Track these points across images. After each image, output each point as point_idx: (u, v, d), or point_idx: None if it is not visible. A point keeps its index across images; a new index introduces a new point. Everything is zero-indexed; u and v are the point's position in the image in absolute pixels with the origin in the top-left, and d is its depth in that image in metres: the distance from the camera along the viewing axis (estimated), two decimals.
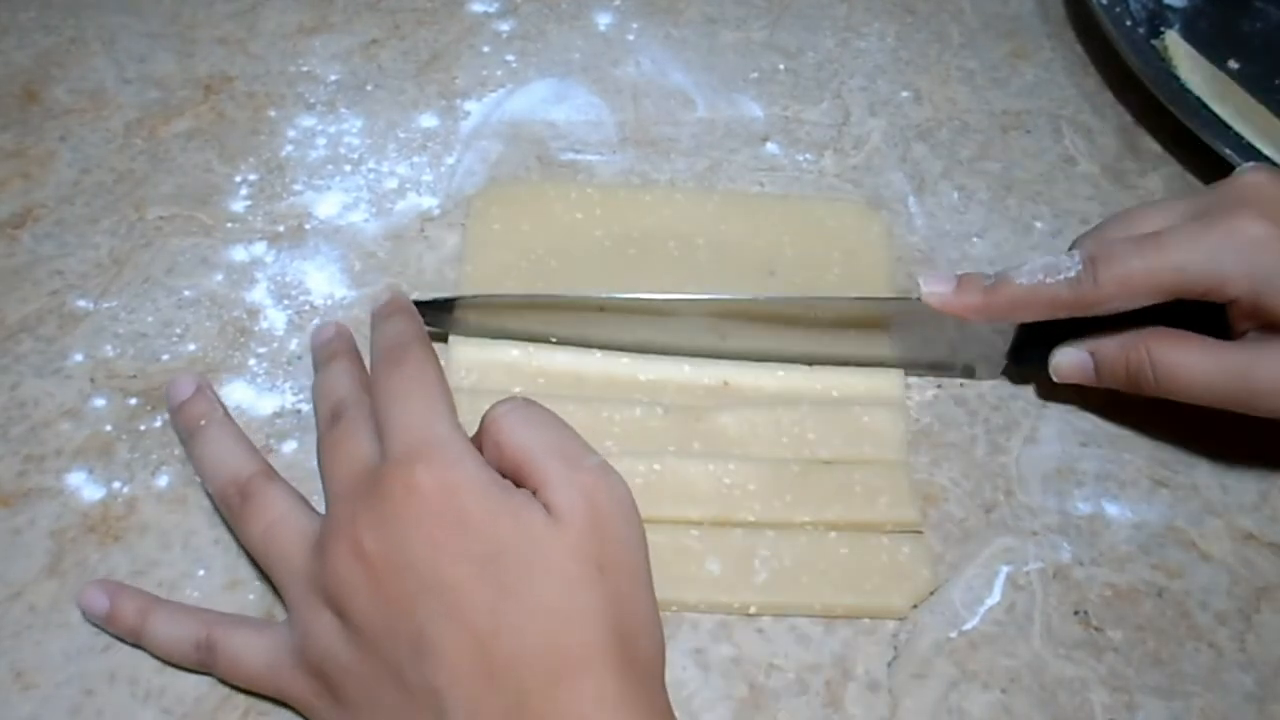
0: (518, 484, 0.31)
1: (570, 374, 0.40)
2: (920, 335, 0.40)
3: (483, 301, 0.40)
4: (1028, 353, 0.41)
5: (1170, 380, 0.37)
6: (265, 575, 0.35)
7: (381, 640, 0.29)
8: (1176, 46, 0.53)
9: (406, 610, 0.29)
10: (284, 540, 0.33)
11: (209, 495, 0.36)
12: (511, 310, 0.40)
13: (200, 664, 0.33)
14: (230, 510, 0.35)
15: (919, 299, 0.39)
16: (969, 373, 0.42)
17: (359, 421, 0.35)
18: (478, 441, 0.32)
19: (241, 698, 0.33)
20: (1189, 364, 0.37)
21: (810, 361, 0.41)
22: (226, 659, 0.32)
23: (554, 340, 0.41)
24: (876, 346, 0.41)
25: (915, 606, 0.36)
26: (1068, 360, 0.40)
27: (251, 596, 0.35)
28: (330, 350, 0.39)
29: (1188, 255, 0.36)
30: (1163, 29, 0.54)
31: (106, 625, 0.34)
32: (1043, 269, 0.38)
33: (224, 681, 0.33)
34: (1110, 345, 0.39)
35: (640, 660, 0.29)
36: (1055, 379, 0.40)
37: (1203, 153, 0.48)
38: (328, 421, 0.36)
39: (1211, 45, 0.53)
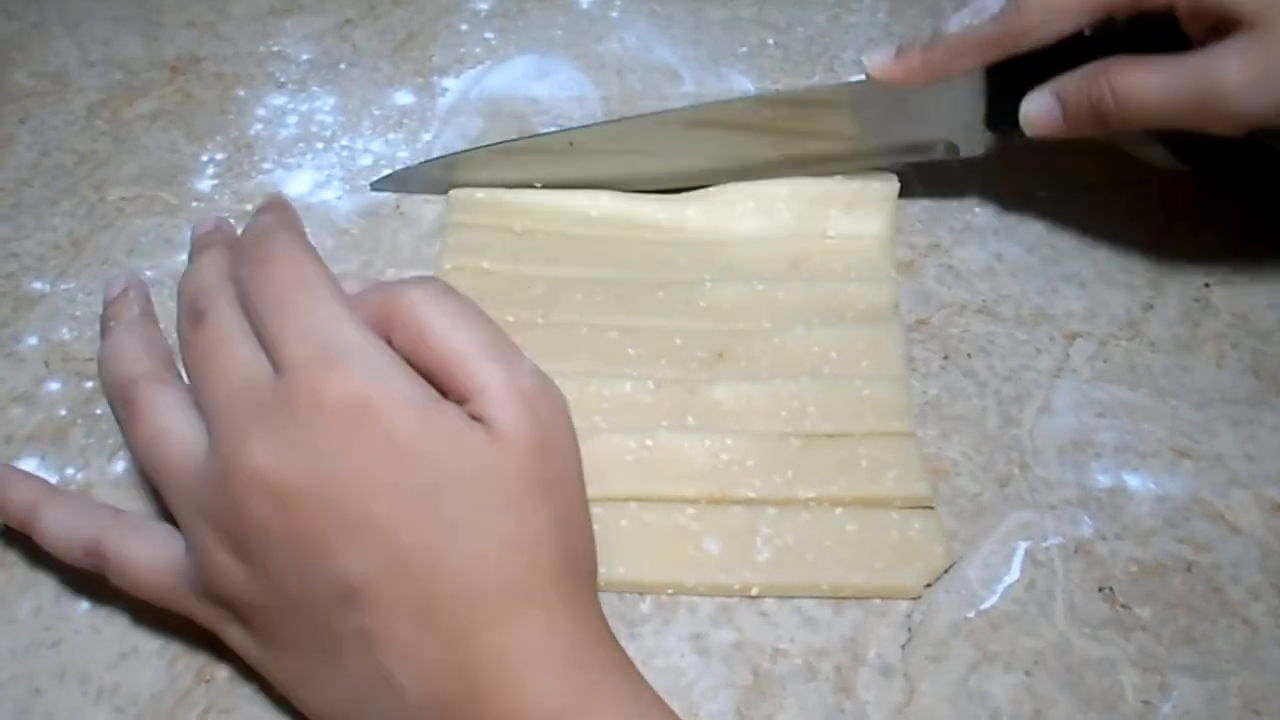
0: (440, 386, 0.27)
1: (557, 348, 0.38)
2: (893, 118, 0.41)
3: (464, 157, 0.42)
4: (1005, 121, 0.40)
5: (1131, 105, 0.36)
6: None
7: (295, 585, 0.26)
8: None
9: (327, 553, 0.25)
10: (169, 457, 0.28)
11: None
12: (494, 160, 0.42)
13: (95, 569, 0.30)
14: (119, 420, 0.31)
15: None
16: (952, 150, 0.42)
17: (230, 319, 0.29)
18: (374, 320, 0.27)
19: (201, 693, 0.31)
20: (1147, 84, 0.36)
21: (790, 167, 0.42)
22: (119, 572, 0.29)
23: (539, 185, 0.42)
24: (854, 138, 0.42)
25: (929, 585, 0.33)
26: (1035, 107, 0.39)
27: None
28: (204, 243, 0.33)
29: None
30: None
31: None
32: (970, 13, 0.38)
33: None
34: (1071, 82, 0.38)
35: (584, 579, 0.27)
36: (1028, 132, 0.39)
37: None
38: (190, 320, 0.29)
39: None
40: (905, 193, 0.45)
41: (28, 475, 0.32)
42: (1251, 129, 0.36)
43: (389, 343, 0.27)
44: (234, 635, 0.28)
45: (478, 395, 0.27)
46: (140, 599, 0.30)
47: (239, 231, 0.32)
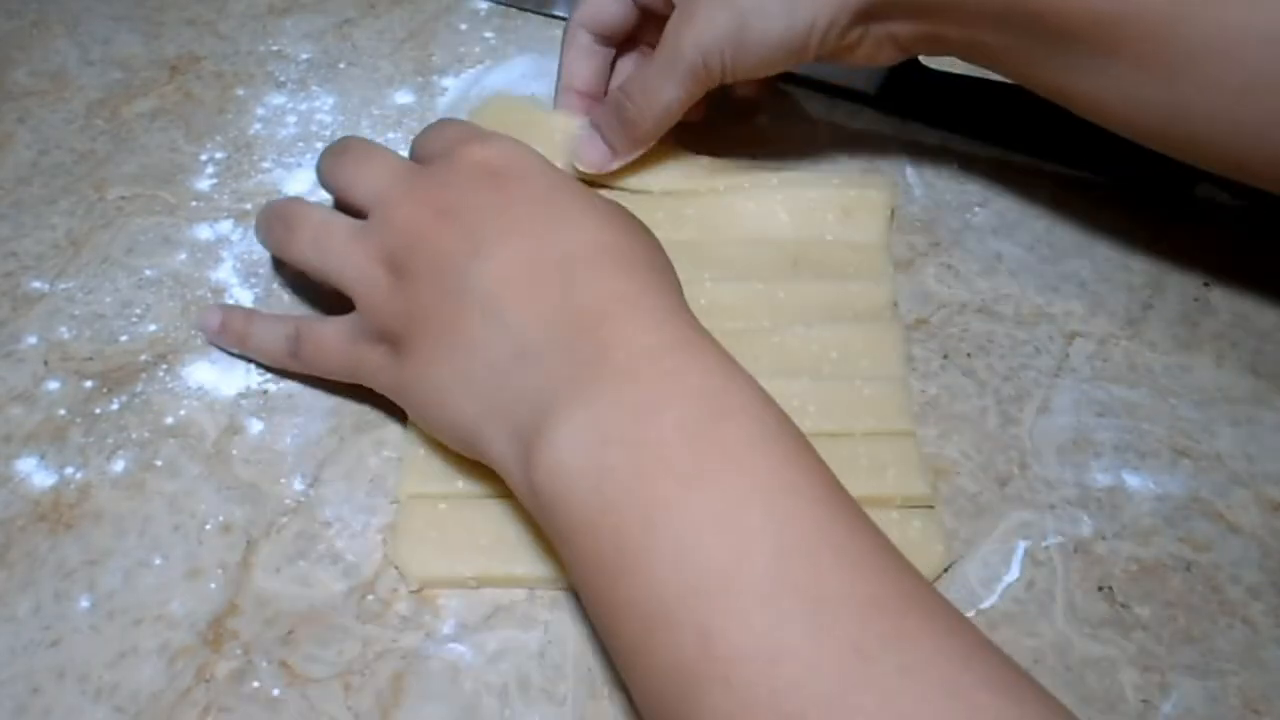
0: None
1: None
2: None
3: None
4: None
5: (642, 95, 0.40)
6: (228, 565, 0.33)
7: (439, 265, 0.32)
8: None
9: (467, 234, 0.32)
10: (332, 234, 0.35)
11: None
12: None
13: (290, 355, 0.36)
14: (275, 244, 0.38)
15: None
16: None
17: (372, 145, 0.37)
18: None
19: (201, 693, 0.31)
20: (648, 71, 0.40)
21: None
22: (311, 344, 0.36)
23: None
24: None
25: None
26: (584, 148, 0.42)
27: (213, 585, 0.33)
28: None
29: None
30: None
31: (217, 336, 0.38)
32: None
33: (307, 378, 0.37)
34: (600, 109, 0.42)
35: (661, 272, 0.33)
36: (586, 170, 0.42)
37: None
38: (333, 152, 0.38)
39: None
40: (905, 193, 0.45)
41: (238, 307, 0.39)
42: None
43: None
44: (385, 372, 0.34)
45: None
46: (324, 372, 0.37)
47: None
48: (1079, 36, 0.34)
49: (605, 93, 0.45)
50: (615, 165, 0.42)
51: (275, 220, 0.37)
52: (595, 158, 0.42)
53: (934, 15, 0.37)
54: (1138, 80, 0.34)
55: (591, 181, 0.42)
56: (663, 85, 0.39)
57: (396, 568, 0.33)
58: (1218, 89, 0.33)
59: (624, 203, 0.42)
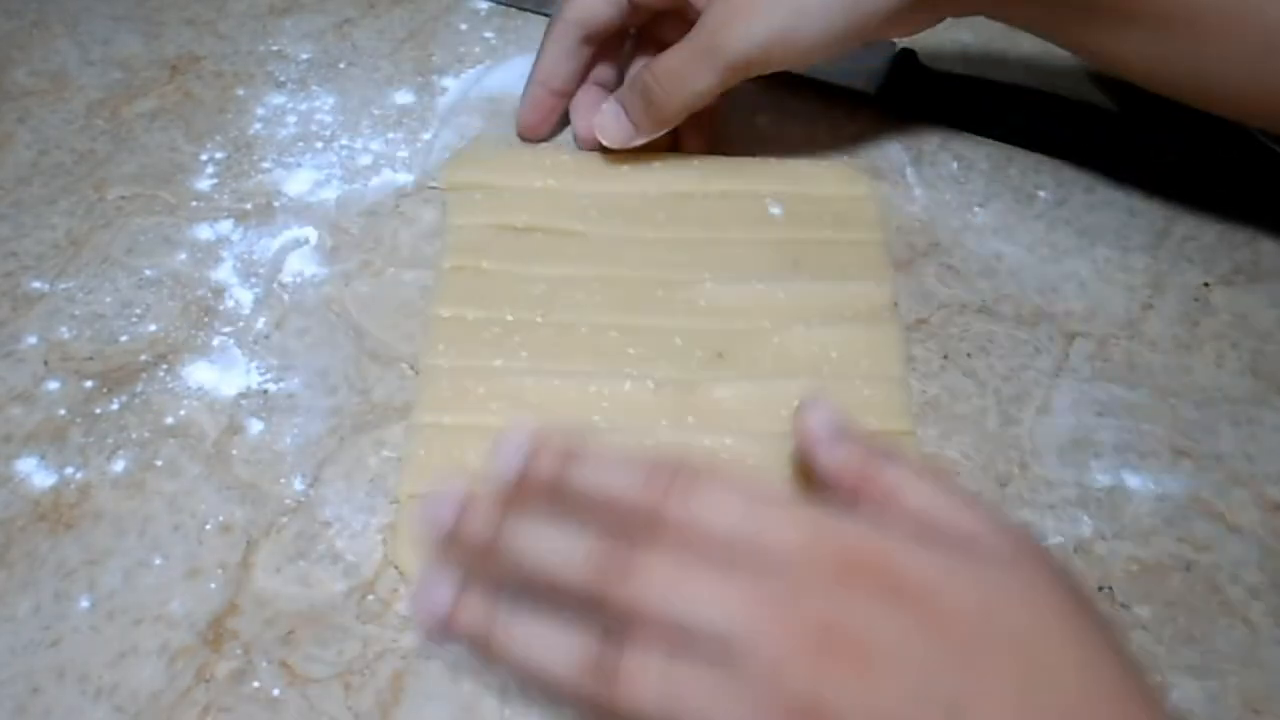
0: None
1: (556, 347, 0.38)
2: None
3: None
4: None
5: (670, 79, 0.40)
6: (228, 565, 0.33)
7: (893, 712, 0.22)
8: None
9: (909, 696, 0.22)
10: (692, 687, 0.23)
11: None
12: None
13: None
14: (593, 692, 0.24)
15: None
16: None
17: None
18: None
19: (201, 693, 0.31)
20: (671, 58, 0.40)
21: None
22: None
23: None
24: None
25: None
26: (605, 119, 0.42)
27: (213, 585, 0.33)
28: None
29: None
30: None
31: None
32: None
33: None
34: (624, 86, 0.42)
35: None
36: (606, 143, 0.42)
37: None
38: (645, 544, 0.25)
39: None
40: (905, 193, 0.45)
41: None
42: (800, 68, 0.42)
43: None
44: None
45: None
46: None
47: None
48: (1102, 4, 0.36)
49: (574, 95, 0.45)
50: (639, 142, 0.42)
51: (579, 670, 0.24)
52: (619, 134, 0.42)
53: None
54: (1157, 40, 0.36)
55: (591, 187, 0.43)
56: (696, 74, 0.39)
57: (396, 568, 0.33)
58: (1239, 46, 0.35)
59: (624, 204, 0.42)
